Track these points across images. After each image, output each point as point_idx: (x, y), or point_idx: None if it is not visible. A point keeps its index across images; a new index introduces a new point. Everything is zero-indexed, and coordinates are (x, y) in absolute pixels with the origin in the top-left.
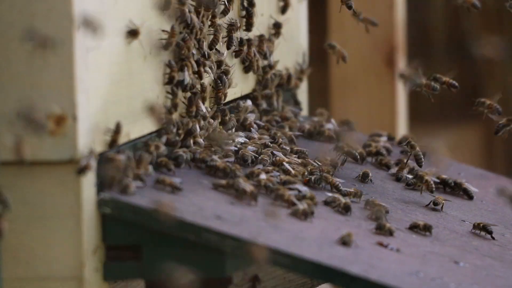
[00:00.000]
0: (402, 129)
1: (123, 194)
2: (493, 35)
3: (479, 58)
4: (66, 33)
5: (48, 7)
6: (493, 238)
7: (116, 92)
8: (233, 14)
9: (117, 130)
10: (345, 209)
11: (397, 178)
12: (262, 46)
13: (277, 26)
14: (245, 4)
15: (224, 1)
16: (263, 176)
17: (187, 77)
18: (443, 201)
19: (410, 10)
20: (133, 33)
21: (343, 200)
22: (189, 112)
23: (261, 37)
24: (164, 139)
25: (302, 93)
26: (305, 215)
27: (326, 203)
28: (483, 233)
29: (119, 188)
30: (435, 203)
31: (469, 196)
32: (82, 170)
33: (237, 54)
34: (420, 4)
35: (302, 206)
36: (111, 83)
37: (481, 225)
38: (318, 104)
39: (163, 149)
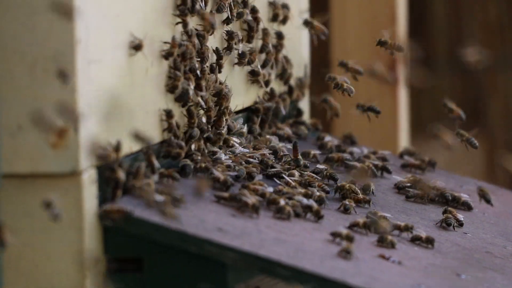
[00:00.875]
0: (403, 141)
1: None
2: (494, 49)
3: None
4: (68, 46)
5: (50, 20)
6: (454, 229)
7: (117, 105)
8: (235, 25)
9: (118, 147)
10: (367, 228)
11: (398, 187)
12: (266, 39)
13: (279, 37)
14: (247, 16)
15: (227, 11)
16: (269, 189)
17: (190, 88)
18: (455, 220)
19: (412, 22)
20: (137, 48)
21: (361, 220)
22: (190, 124)
23: (265, 31)
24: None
25: (304, 104)
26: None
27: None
28: (443, 224)
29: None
30: (448, 223)
31: (468, 207)
32: (102, 158)
33: (238, 64)
34: (421, 16)
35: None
36: (113, 95)
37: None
38: (319, 115)
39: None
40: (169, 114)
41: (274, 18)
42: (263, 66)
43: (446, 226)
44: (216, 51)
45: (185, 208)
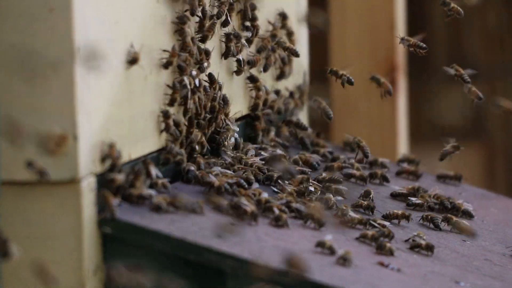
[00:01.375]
0: (402, 149)
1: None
2: (494, 56)
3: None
4: (67, 54)
5: (49, 28)
6: (440, 229)
7: (117, 113)
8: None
9: (118, 155)
10: (375, 241)
11: (392, 195)
12: (266, 42)
13: (279, 44)
14: (247, 22)
15: (226, 13)
16: (264, 195)
17: (188, 84)
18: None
19: (411, 30)
20: (133, 62)
21: (370, 232)
22: (189, 133)
23: (264, 35)
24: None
25: (303, 113)
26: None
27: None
28: (431, 225)
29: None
30: (435, 224)
31: (469, 215)
32: (104, 158)
33: (237, 73)
34: (421, 24)
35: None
36: (112, 103)
37: (429, 217)
38: (318, 124)
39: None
40: (166, 114)
41: (273, 37)
42: (264, 70)
43: (434, 227)
44: (209, 76)
45: (184, 216)
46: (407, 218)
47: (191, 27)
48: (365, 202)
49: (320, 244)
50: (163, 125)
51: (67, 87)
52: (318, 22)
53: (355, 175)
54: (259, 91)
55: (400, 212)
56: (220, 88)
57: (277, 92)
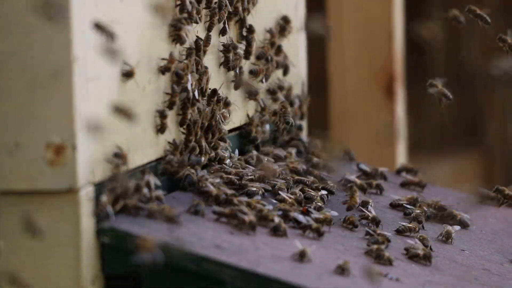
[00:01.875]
0: (401, 159)
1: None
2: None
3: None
4: (66, 63)
5: (47, 37)
6: (423, 228)
7: (115, 122)
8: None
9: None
10: (378, 258)
11: (392, 205)
12: (266, 49)
13: (278, 49)
14: (244, 31)
15: (224, 22)
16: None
17: (190, 87)
18: (453, 233)
19: (409, 40)
20: (128, 75)
21: (374, 246)
22: (188, 141)
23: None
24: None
25: (302, 122)
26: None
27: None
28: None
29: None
30: (447, 236)
31: (465, 225)
32: (117, 155)
33: (236, 87)
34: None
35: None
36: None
37: (413, 215)
38: (317, 133)
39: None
40: (162, 114)
41: (272, 45)
42: (265, 80)
43: (417, 224)
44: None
45: (183, 226)
46: (377, 223)
47: (188, 33)
48: (371, 215)
49: (301, 254)
50: (159, 126)
51: (66, 97)
52: (318, 27)
53: (355, 183)
54: (252, 124)
55: (371, 215)
56: (219, 101)
57: (273, 92)
